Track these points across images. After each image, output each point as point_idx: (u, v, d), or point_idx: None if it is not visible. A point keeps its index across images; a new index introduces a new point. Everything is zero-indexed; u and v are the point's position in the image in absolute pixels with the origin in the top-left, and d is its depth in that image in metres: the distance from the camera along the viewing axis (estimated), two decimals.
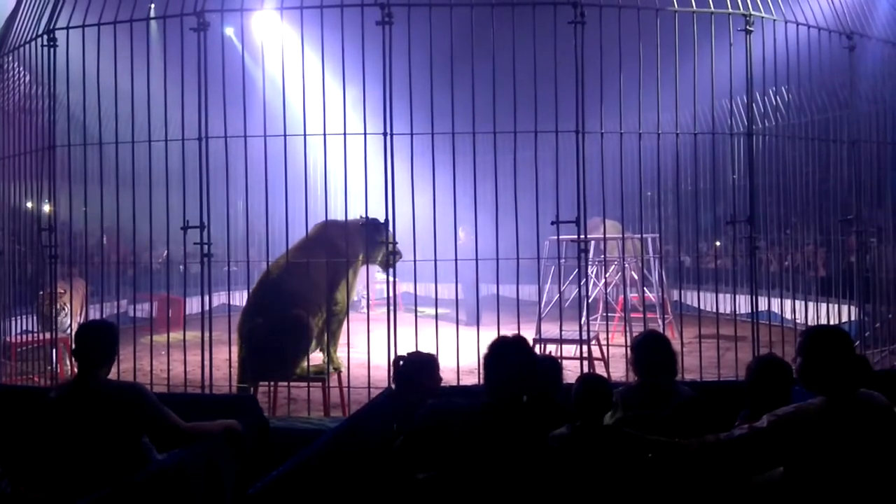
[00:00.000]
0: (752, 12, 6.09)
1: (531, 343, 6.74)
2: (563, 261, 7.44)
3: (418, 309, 5.89)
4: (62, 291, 7.18)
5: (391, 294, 6.08)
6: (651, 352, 3.80)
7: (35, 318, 7.71)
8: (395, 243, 6.24)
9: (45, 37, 6.35)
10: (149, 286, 6.85)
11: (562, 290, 7.35)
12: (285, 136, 6.04)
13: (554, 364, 4.00)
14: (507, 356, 3.12)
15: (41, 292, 7.50)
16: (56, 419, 3.54)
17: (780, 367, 3.47)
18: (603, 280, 9.92)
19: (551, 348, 6.98)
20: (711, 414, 3.30)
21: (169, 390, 6.02)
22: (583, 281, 6.29)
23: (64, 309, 7.37)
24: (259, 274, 6.85)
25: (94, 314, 9.38)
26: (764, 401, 3.21)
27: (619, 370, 6.05)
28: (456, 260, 5.90)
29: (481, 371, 3.15)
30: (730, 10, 6.05)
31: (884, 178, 7.42)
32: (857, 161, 7.10)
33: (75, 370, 3.84)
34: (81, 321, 7.93)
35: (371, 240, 6.47)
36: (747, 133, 6.51)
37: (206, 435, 3.78)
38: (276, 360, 6.01)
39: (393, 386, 4.08)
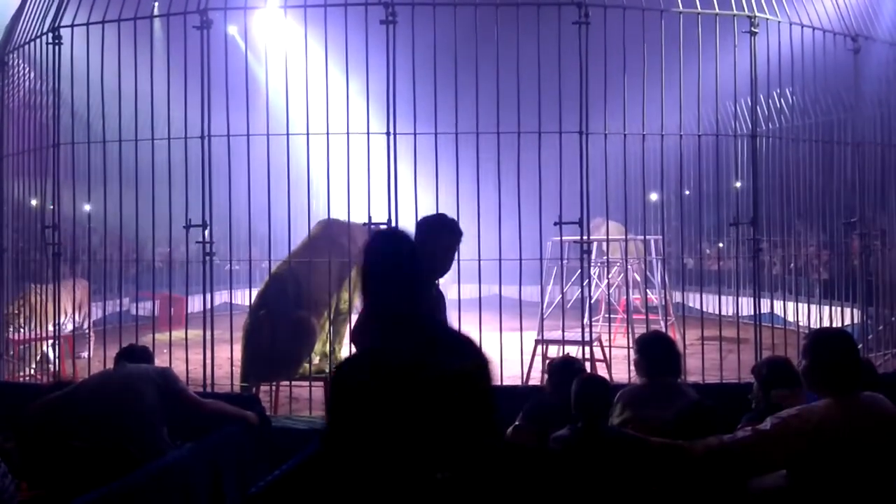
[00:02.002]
0: (757, 14, 6.08)
1: (533, 344, 6.78)
2: (565, 262, 7.44)
3: None
4: (21, 305, 7.27)
5: None
6: (656, 352, 3.80)
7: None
8: None
9: (50, 34, 6.36)
10: (151, 284, 6.85)
11: (564, 290, 7.35)
12: (288, 134, 6.04)
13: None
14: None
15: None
16: (87, 399, 3.70)
17: (788, 366, 3.49)
18: (605, 281, 9.91)
19: (553, 349, 6.96)
20: (715, 416, 3.29)
21: None
22: (585, 282, 6.28)
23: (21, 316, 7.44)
24: (261, 273, 6.84)
25: (97, 312, 9.38)
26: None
27: (620, 372, 6.03)
28: (458, 260, 5.88)
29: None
30: (735, 11, 6.04)
31: (888, 181, 7.39)
32: (861, 164, 7.08)
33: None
34: (81, 320, 7.95)
35: None
36: (751, 135, 6.49)
37: (226, 416, 3.93)
38: (279, 361, 6.02)
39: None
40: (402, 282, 2.10)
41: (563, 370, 3.94)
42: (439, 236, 3.46)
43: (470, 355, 2.14)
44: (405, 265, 2.13)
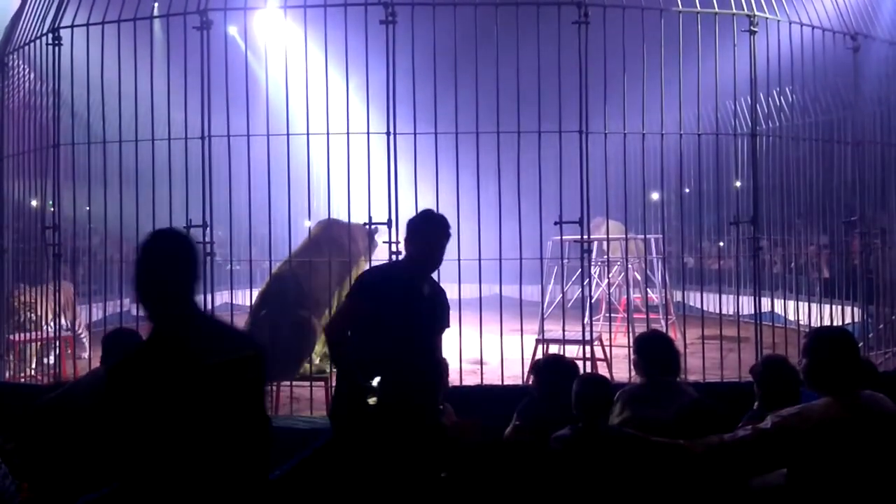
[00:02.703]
0: (756, 13, 6.08)
1: (534, 343, 6.78)
2: (565, 261, 7.43)
3: None
4: (32, 301, 7.28)
5: None
6: (654, 351, 3.80)
7: None
8: (397, 243, 6.24)
9: (50, 35, 6.36)
10: None
11: (564, 290, 7.34)
12: (288, 135, 6.04)
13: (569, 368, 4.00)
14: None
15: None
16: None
17: (785, 364, 3.49)
18: (606, 280, 9.90)
19: (554, 349, 6.96)
20: (715, 415, 3.30)
21: None
22: (586, 281, 6.28)
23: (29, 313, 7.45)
24: (261, 273, 6.83)
25: (97, 313, 9.38)
26: (775, 400, 3.21)
27: (621, 371, 6.04)
28: (459, 260, 5.90)
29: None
30: (734, 10, 6.04)
31: (888, 180, 7.39)
32: (861, 162, 7.08)
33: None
34: (68, 324, 7.96)
35: (372, 243, 6.48)
36: (751, 134, 6.49)
37: None
38: (280, 361, 6.02)
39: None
40: (177, 278, 2.19)
41: (546, 369, 3.96)
42: (428, 231, 3.46)
43: (244, 346, 2.25)
44: (182, 263, 2.21)
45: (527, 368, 6.32)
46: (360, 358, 3.31)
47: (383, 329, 3.29)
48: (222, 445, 2.09)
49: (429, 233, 3.45)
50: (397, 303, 3.32)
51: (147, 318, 2.20)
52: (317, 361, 6.44)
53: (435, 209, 5.72)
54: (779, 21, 6.21)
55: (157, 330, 2.16)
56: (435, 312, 3.51)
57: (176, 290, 2.17)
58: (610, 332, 9.26)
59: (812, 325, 6.56)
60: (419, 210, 5.52)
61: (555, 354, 5.02)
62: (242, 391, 2.16)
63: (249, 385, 2.19)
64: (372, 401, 3.20)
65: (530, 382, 4.16)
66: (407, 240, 3.51)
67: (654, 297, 9.66)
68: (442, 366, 3.71)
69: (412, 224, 3.52)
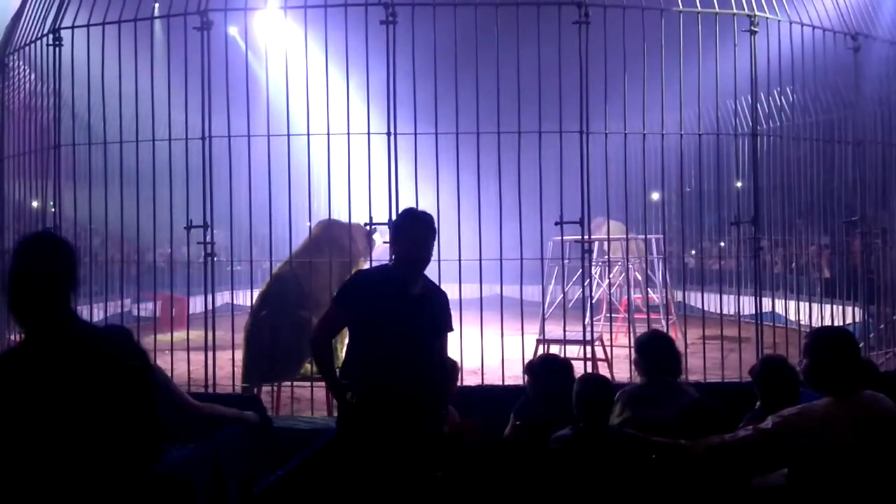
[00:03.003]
0: (757, 13, 6.08)
1: (535, 343, 6.79)
2: (566, 261, 7.43)
3: None
4: None
5: None
6: (655, 351, 3.80)
7: None
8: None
9: (51, 36, 6.36)
10: (152, 285, 6.86)
11: (565, 290, 7.34)
12: (289, 135, 6.04)
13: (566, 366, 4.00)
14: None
15: None
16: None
17: (783, 364, 3.49)
18: (606, 281, 9.90)
19: (555, 349, 6.97)
20: (716, 415, 3.29)
21: None
22: (586, 281, 6.28)
23: None
24: (262, 273, 6.83)
25: (99, 313, 9.38)
26: (775, 400, 3.21)
27: (622, 371, 6.04)
28: (459, 260, 5.90)
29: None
30: (734, 10, 6.04)
31: (888, 180, 7.40)
32: (862, 162, 7.08)
33: None
34: None
35: (370, 243, 6.49)
36: (752, 134, 6.50)
37: (223, 419, 3.84)
38: (281, 362, 6.02)
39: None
40: (50, 283, 2.03)
41: (540, 368, 3.97)
42: (413, 231, 3.42)
43: (124, 356, 2.10)
44: (55, 268, 2.05)
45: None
46: (354, 359, 3.30)
47: (376, 329, 3.27)
48: (98, 461, 1.96)
49: (414, 232, 3.38)
50: (387, 303, 3.27)
51: (19, 327, 2.07)
52: None
53: (435, 209, 5.74)
54: (779, 21, 6.21)
55: (27, 339, 2.03)
56: (432, 313, 3.42)
57: (48, 296, 2.02)
58: (611, 332, 9.26)
59: (813, 325, 6.56)
60: (401, 210, 5.54)
61: (549, 353, 5.03)
62: (123, 402, 2.01)
63: (132, 396, 2.05)
64: (349, 397, 3.20)
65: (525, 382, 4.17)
66: (393, 241, 3.46)
67: (655, 297, 9.66)
68: (447, 368, 3.67)
69: (397, 225, 3.48)
